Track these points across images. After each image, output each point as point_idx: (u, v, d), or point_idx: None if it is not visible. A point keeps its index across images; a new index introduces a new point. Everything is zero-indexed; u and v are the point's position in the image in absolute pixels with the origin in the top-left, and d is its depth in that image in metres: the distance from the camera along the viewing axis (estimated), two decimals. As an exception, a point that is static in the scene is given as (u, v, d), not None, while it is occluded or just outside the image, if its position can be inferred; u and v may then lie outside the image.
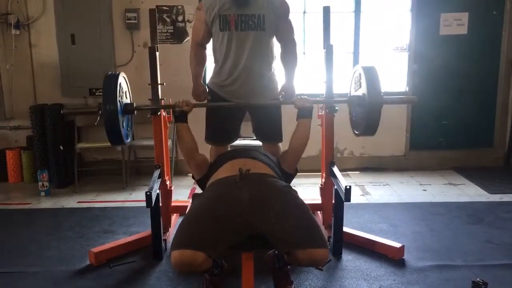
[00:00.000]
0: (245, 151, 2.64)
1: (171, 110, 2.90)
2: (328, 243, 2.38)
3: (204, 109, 3.18)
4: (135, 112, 2.80)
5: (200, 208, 2.22)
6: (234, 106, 2.98)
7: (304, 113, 2.67)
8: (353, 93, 2.86)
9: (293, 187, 2.42)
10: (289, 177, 2.70)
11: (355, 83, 2.81)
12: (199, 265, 2.04)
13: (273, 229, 2.10)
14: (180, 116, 2.67)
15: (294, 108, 2.75)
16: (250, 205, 2.13)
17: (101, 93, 4.40)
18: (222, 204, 2.17)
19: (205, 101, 3.15)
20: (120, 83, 2.58)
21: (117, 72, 2.64)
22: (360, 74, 2.66)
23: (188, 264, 2.02)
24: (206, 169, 2.63)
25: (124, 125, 2.64)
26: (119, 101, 2.53)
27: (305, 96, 2.68)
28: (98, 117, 2.51)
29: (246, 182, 2.23)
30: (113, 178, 4.50)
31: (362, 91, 2.62)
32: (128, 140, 2.74)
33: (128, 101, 2.78)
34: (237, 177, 2.26)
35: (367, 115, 2.56)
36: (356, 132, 2.82)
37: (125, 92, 2.74)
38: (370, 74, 2.58)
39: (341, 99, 2.92)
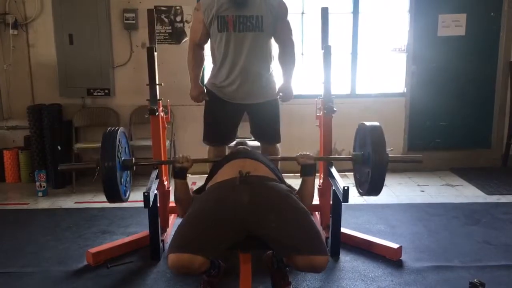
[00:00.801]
0: (245, 152, 2.62)
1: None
2: (327, 248, 2.34)
3: (202, 109, 3.19)
4: (135, 167, 2.69)
5: (198, 211, 2.20)
6: (232, 158, 2.93)
7: (307, 171, 2.55)
8: (356, 150, 2.75)
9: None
10: None
11: (359, 141, 2.73)
12: (196, 268, 2.02)
13: (272, 233, 2.09)
14: (180, 172, 2.51)
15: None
16: (250, 208, 2.12)
17: (99, 93, 4.49)
18: (221, 207, 2.15)
19: (205, 102, 3.16)
20: (119, 139, 2.49)
21: (116, 128, 2.53)
22: (364, 133, 2.60)
23: (186, 267, 2.01)
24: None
25: (123, 181, 2.54)
26: (118, 157, 2.43)
27: (308, 152, 2.58)
28: (96, 173, 2.42)
29: (246, 185, 2.21)
30: (111, 179, 4.49)
31: (366, 150, 2.54)
32: (126, 197, 2.62)
33: (127, 156, 2.66)
34: (237, 179, 2.24)
35: (371, 175, 2.45)
36: (361, 191, 2.70)
37: (124, 147, 2.64)
38: (375, 133, 2.49)
39: (345, 157, 2.81)
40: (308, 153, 2.58)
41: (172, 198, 3.33)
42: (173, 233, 2.20)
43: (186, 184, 2.50)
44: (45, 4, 4.47)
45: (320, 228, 3.11)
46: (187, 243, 2.04)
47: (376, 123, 2.56)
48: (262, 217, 2.11)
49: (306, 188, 2.52)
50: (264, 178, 2.33)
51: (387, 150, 2.45)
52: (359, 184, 2.75)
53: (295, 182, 2.60)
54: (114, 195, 2.45)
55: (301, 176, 2.56)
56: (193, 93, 3.11)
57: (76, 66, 4.47)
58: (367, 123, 2.59)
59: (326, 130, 3.04)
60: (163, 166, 3.08)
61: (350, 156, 2.72)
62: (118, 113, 4.60)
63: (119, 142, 2.48)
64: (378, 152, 2.43)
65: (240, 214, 2.11)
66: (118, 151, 2.45)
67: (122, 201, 2.52)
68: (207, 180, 2.54)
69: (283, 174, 2.61)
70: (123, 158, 2.55)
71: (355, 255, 2.88)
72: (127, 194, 2.64)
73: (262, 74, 3.03)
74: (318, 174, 3.23)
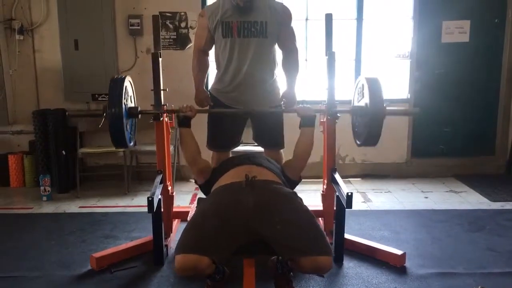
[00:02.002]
0: (251, 158, 2.64)
1: (174, 115, 2.93)
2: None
3: (206, 115, 3.19)
4: (139, 116, 2.82)
5: (204, 213, 2.23)
6: (237, 113, 2.99)
7: (307, 122, 2.67)
8: (356, 103, 2.87)
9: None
10: (293, 184, 2.69)
11: (358, 94, 2.82)
12: (203, 269, 2.04)
13: (277, 235, 2.10)
14: (184, 121, 2.69)
15: (296, 116, 2.76)
16: (255, 211, 2.14)
17: (104, 98, 4.51)
18: (227, 210, 2.17)
19: (209, 107, 3.17)
20: (125, 87, 2.61)
21: (123, 76, 2.67)
22: (363, 85, 2.67)
23: (192, 268, 2.02)
24: (209, 174, 2.64)
25: (128, 128, 2.67)
26: (124, 104, 2.56)
27: (308, 105, 2.69)
28: (103, 119, 2.53)
29: (252, 188, 2.24)
30: (115, 183, 4.51)
31: (365, 101, 2.62)
32: (131, 144, 2.78)
33: (132, 105, 2.81)
34: (243, 183, 2.26)
35: (369, 125, 2.57)
36: (358, 142, 2.82)
37: (130, 96, 2.77)
38: (373, 85, 2.58)
39: (344, 109, 2.92)
40: (308, 106, 2.69)
41: (176, 203, 3.35)
42: (176, 238, 2.21)
43: (191, 131, 2.69)
44: (51, 9, 4.51)
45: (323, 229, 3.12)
46: (194, 244, 2.06)
47: (375, 76, 2.63)
48: (266, 219, 2.13)
49: (305, 136, 2.65)
50: (269, 182, 2.36)
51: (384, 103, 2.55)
52: (357, 136, 2.85)
53: (302, 187, 2.60)
54: (120, 140, 2.58)
55: (300, 127, 2.68)
56: (197, 99, 3.13)
57: (81, 71, 4.50)
58: (366, 76, 2.67)
59: (330, 135, 3.04)
60: (167, 173, 3.09)
61: (349, 109, 2.83)
62: (122, 118, 4.61)
63: (125, 89, 2.57)
64: (376, 103, 2.51)
65: (246, 216, 2.13)
66: (124, 99, 2.55)
67: (126, 146, 2.69)
68: (211, 181, 2.56)
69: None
70: (129, 106, 2.66)
71: (358, 261, 2.87)
72: (132, 141, 2.79)
73: (266, 80, 3.04)
74: (322, 180, 3.24)
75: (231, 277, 2.47)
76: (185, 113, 2.70)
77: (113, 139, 2.60)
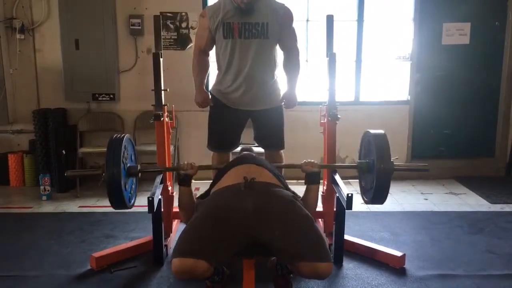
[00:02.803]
0: (250, 157, 2.62)
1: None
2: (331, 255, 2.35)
3: (207, 115, 3.20)
4: (140, 174, 2.71)
5: (202, 216, 2.20)
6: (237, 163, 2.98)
7: (312, 179, 2.55)
8: (362, 159, 2.76)
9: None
10: None
11: (364, 149, 2.74)
12: (200, 273, 2.02)
13: (277, 240, 2.08)
14: (185, 179, 2.51)
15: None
16: (254, 214, 2.11)
17: (104, 98, 4.51)
18: (226, 213, 2.15)
19: (209, 108, 3.18)
20: (125, 145, 2.49)
21: (122, 135, 2.54)
22: (369, 141, 2.61)
23: (189, 272, 2.01)
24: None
25: (128, 187, 2.54)
26: (123, 163, 2.44)
27: (312, 160, 2.59)
28: (102, 179, 2.39)
29: (251, 191, 2.21)
30: (115, 183, 4.49)
31: (371, 158, 2.54)
32: (132, 203, 2.60)
33: (133, 163, 2.68)
34: (242, 185, 2.24)
35: (376, 184, 2.45)
36: (366, 199, 2.71)
37: (130, 154, 2.64)
38: (380, 141, 2.50)
39: (350, 165, 2.81)
40: (313, 160, 2.59)
41: (176, 203, 3.35)
42: (176, 238, 2.20)
43: (191, 191, 2.52)
44: (52, 9, 4.51)
45: (323, 234, 3.12)
46: (191, 248, 2.03)
47: (381, 131, 2.57)
48: (266, 223, 2.11)
49: (310, 196, 2.52)
50: (268, 184, 2.33)
51: (392, 158, 2.46)
52: (363, 192, 2.76)
53: (298, 188, 2.60)
54: (118, 201, 2.44)
55: (305, 184, 2.56)
56: (198, 99, 3.13)
57: (82, 71, 4.50)
58: (372, 131, 2.60)
59: (330, 137, 3.05)
60: (167, 173, 3.09)
61: (355, 164, 2.73)
62: (122, 118, 4.62)
63: (124, 148, 2.49)
64: (383, 160, 2.44)
65: (244, 220, 2.11)
66: (123, 157, 2.45)
67: (126, 208, 2.52)
68: (212, 185, 2.55)
69: (287, 181, 2.61)
70: (128, 165, 2.55)
71: (358, 263, 2.87)
72: (132, 201, 2.62)
73: (267, 81, 3.04)
74: (322, 180, 3.24)
75: (230, 278, 2.47)
76: (185, 171, 2.52)
77: (111, 201, 2.45)
